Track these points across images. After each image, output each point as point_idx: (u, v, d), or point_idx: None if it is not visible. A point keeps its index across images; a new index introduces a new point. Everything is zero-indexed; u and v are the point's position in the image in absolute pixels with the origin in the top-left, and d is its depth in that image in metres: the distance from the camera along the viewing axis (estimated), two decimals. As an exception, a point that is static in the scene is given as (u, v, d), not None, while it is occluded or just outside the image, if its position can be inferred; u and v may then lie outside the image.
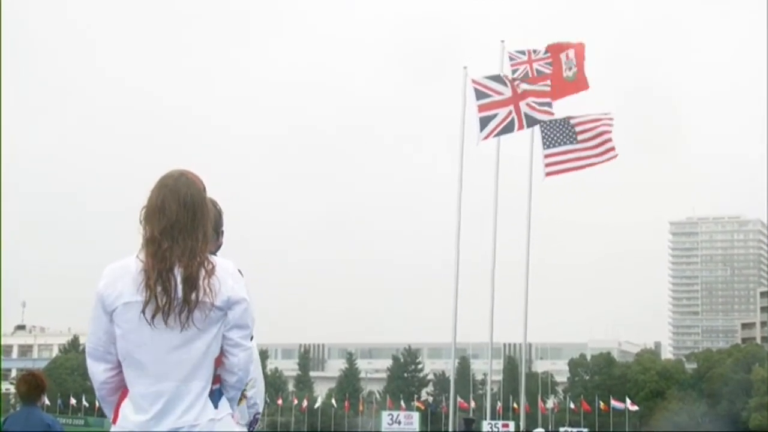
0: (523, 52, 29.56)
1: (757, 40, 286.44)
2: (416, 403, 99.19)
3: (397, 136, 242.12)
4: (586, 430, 79.98)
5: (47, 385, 8.35)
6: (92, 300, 3.78)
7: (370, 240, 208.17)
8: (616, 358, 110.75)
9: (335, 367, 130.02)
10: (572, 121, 28.31)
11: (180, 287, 3.67)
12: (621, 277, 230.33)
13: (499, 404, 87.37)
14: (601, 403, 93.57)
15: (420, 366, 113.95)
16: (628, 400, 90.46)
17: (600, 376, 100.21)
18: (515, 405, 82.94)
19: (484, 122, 27.26)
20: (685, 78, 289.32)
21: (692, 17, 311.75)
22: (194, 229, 3.75)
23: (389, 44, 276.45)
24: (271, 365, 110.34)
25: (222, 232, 4.76)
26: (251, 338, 4.03)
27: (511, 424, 42.81)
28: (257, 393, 5.26)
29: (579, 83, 28.84)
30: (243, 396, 4.43)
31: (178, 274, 3.68)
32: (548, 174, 28.83)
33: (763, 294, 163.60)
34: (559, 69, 28.72)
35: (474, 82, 27.81)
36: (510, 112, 27.03)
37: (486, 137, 27.48)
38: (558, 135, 28.41)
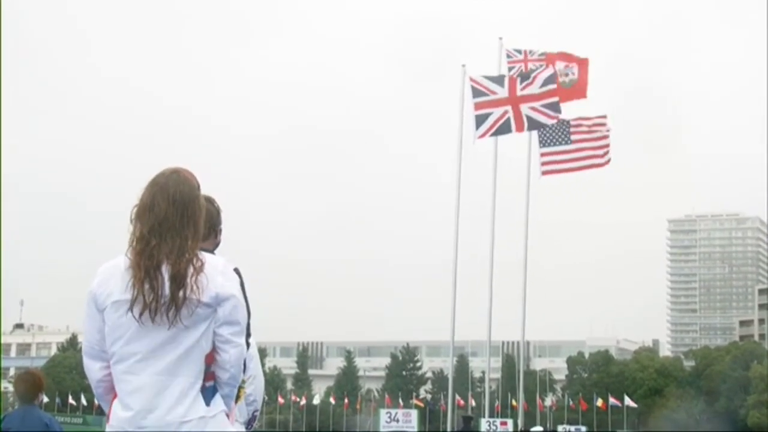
0: (519, 51, 29.69)
1: (757, 40, 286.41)
2: (415, 401, 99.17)
3: (397, 136, 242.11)
4: (584, 428, 80.00)
5: (45, 384, 8.36)
6: (85, 299, 3.80)
7: (369, 238, 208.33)
8: (615, 355, 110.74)
9: (334, 365, 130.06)
10: (569, 122, 28.45)
11: (167, 285, 3.67)
12: (619, 275, 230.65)
13: (498, 402, 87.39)
14: (600, 401, 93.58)
15: (418, 364, 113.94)
16: (626, 398, 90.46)
17: (598, 373, 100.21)
18: (514, 403, 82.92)
19: (479, 120, 27.32)
20: (684, 78, 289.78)
21: (692, 17, 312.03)
22: (183, 227, 3.75)
23: (389, 44, 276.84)
24: (269, 363, 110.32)
25: (220, 230, 4.76)
26: (247, 335, 4.03)
27: (510, 422, 42.83)
28: (256, 390, 5.27)
29: (575, 91, 28.98)
30: (241, 391, 4.43)
31: (165, 271, 3.69)
32: (544, 173, 28.98)
33: (761, 291, 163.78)
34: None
35: (472, 80, 27.87)
36: (505, 113, 27.02)
37: (481, 136, 27.54)
38: (554, 135, 28.55)
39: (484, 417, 41.22)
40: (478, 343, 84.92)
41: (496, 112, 27.15)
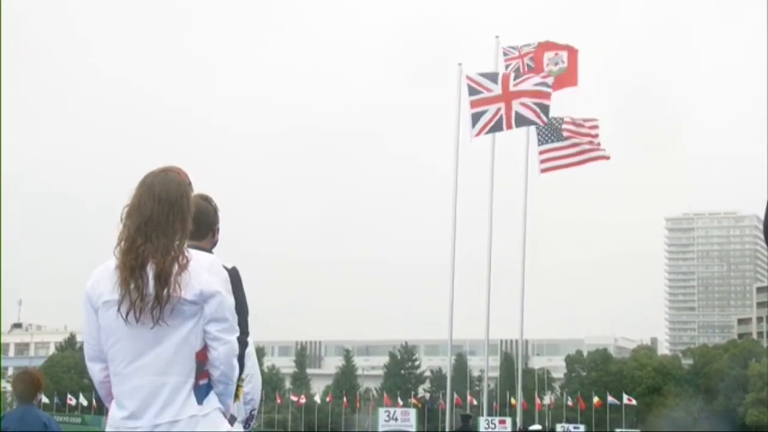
0: (515, 48, 29.76)
1: (757, 40, 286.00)
2: (413, 400, 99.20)
3: (397, 136, 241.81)
4: (582, 426, 79.84)
5: (43, 384, 8.36)
6: (82, 300, 3.82)
7: (367, 237, 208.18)
8: (613, 354, 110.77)
9: (332, 364, 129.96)
10: (562, 119, 28.53)
11: (151, 283, 3.67)
12: (618, 274, 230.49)
13: (496, 401, 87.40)
14: (598, 399, 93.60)
15: (417, 363, 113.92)
16: (625, 396, 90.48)
17: (597, 372, 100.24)
18: (512, 401, 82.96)
19: (475, 118, 27.32)
20: (684, 78, 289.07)
21: (692, 17, 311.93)
22: (169, 225, 3.75)
23: (389, 44, 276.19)
24: (267, 362, 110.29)
25: (217, 229, 4.75)
26: (245, 334, 4.03)
27: (508, 421, 42.78)
28: (254, 389, 5.27)
29: (566, 79, 29.01)
30: (239, 390, 4.43)
31: (150, 270, 3.69)
32: (543, 170, 28.99)
33: (759, 289, 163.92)
34: (540, 64, 28.95)
35: (468, 78, 27.87)
36: (498, 110, 27.03)
37: (477, 134, 27.53)
38: (550, 132, 28.58)
39: (482, 416, 41.17)
40: (476, 342, 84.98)
41: (491, 109, 27.15)
